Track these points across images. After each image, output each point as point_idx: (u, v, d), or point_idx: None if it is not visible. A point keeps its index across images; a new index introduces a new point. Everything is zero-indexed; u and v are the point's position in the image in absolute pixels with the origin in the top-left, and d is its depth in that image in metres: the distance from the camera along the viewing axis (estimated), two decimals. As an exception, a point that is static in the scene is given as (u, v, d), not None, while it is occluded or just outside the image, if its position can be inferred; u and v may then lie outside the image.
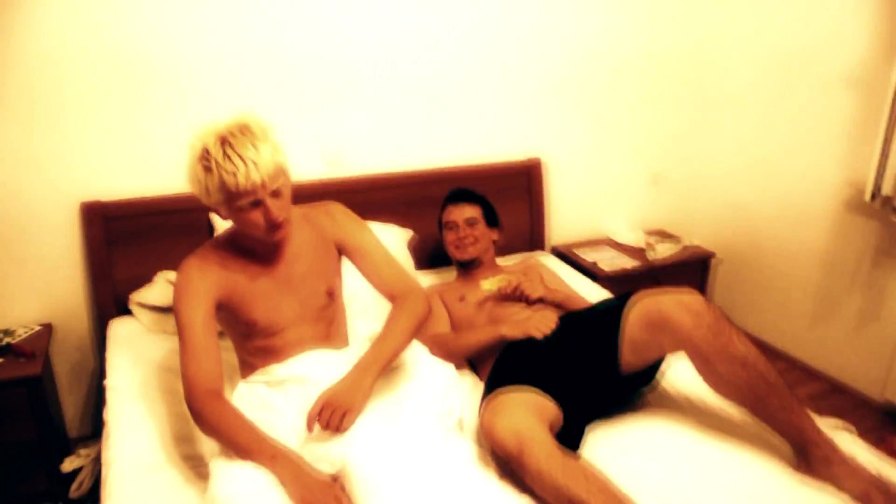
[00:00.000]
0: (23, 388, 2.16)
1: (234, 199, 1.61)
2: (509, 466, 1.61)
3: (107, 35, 2.30)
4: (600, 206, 3.29)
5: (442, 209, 2.55)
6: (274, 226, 1.67)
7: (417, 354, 1.89)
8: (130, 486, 1.65)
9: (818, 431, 1.67)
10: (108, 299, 2.44)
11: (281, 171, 1.65)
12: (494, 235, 2.54)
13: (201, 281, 1.71)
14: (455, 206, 2.50)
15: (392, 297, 1.87)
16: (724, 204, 3.38)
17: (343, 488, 1.52)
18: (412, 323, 1.80)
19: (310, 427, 1.59)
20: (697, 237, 3.30)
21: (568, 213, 3.21)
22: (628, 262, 2.96)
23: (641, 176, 3.32)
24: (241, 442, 1.55)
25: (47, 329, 2.42)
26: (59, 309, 2.48)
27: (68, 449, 2.40)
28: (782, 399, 1.68)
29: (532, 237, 3.06)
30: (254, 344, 1.81)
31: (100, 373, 2.58)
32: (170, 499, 1.61)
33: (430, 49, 2.74)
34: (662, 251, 3.06)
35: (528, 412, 1.64)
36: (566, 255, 3.06)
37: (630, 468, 1.63)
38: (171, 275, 2.42)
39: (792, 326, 3.02)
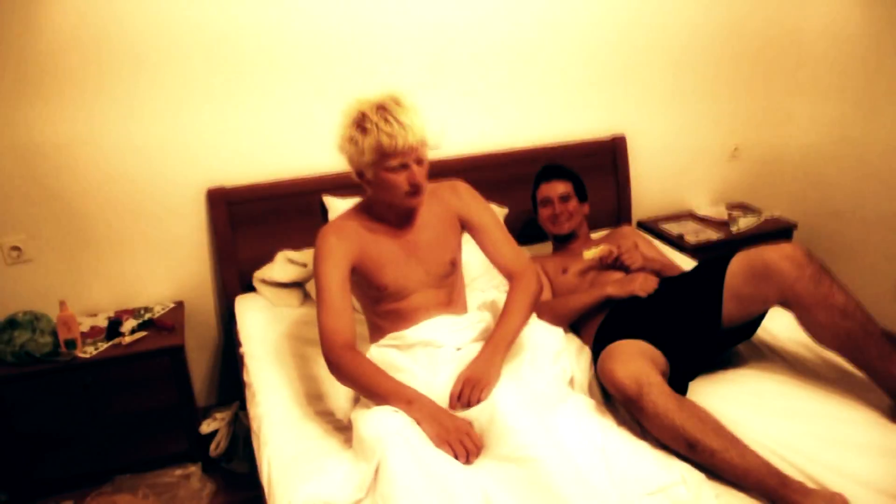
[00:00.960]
0: (167, 356, 2.41)
1: (385, 160, 1.80)
2: (628, 410, 1.76)
3: (224, 30, 2.50)
4: (682, 180, 3.38)
5: (535, 186, 2.68)
6: (415, 189, 1.85)
7: (530, 322, 2.03)
8: (279, 437, 1.85)
9: (916, 380, 1.77)
10: (233, 277, 2.66)
11: (426, 141, 1.84)
12: (586, 209, 2.67)
13: (339, 245, 1.89)
14: (548, 183, 2.63)
15: (509, 275, 2.02)
16: (804, 175, 3.43)
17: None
18: (530, 301, 1.95)
19: (452, 405, 1.73)
20: (778, 209, 3.36)
21: (651, 187, 3.31)
22: (713, 234, 3.06)
23: (722, 150, 3.40)
24: (380, 389, 1.72)
25: (180, 306, 2.66)
26: (188, 287, 2.72)
27: (198, 416, 2.63)
28: (880, 348, 1.78)
29: (618, 212, 3.18)
30: (384, 308, 1.99)
31: (224, 346, 2.83)
32: (313, 446, 1.79)
33: (518, 31, 2.87)
34: (745, 223, 3.15)
35: (644, 359, 1.78)
36: (651, 229, 3.17)
37: (733, 418, 1.73)
38: (291, 254, 2.63)
39: (877, 296, 3.05)
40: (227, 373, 2.87)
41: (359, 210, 2.02)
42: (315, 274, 1.89)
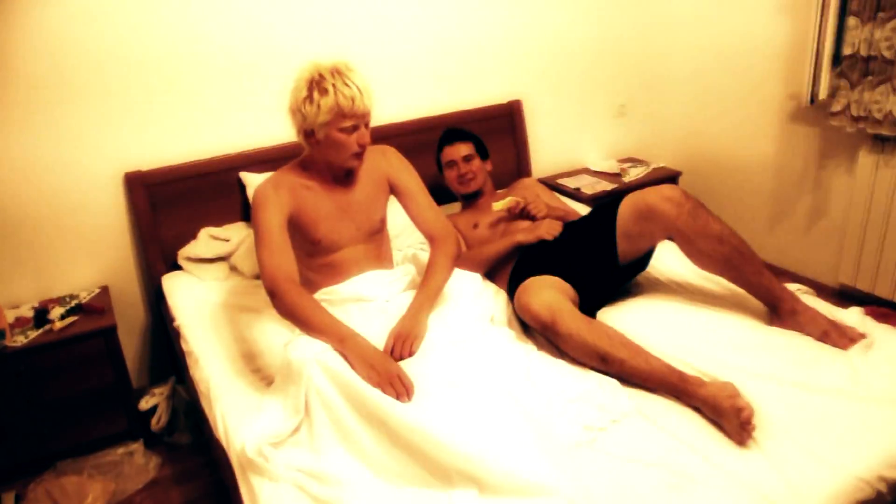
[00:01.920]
0: (101, 338, 2.46)
1: (340, 120, 1.93)
2: (544, 335, 1.98)
3: (134, 15, 2.56)
4: (576, 139, 3.65)
5: (438, 151, 2.84)
6: (362, 150, 2.00)
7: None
8: (226, 393, 1.96)
9: (785, 289, 2.06)
10: (157, 258, 2.72)
11: (372, 107, 1.97)
12: (489, 167, 2.86)
13: (276, 197, 2.01)
14: (451, 146, 2.79)
15: (431, 237, 2.18)
16: (684, 127, 3.76)
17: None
18: (450, 262, 2.12)
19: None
20: (663, 160, 3.68)
21: (548, 147, 3.56)
22: (607, 185, 3.32)
23: (609, 109, 3.68)
24: (315, 323, 1.81)
25: (105, 291, 2.70)
26: (112, 271, 2.76)
27: (133, 395, 2.68)
28: (754, 266, 2.06)
29: (518, 172, 3.40)
30: (317, 261, 2.12)
31: (152, 327, 2.89)
32: (255, 398, 1.90)
33: (419, 8, 3.04)
34: (635, 174, 3.44)
35: (555, 290, 2.00)
36: (550, 184, 3.39)
37: (636, 334, 1.95)
38: (213, 230, 2.73)
39: (752, 232, 3.41)
40: (157, 353, 2.92)
41: (295, 167, 2.13)
42: (254, 221, 1.99)
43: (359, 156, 2.03)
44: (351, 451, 1.61)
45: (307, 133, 2.02)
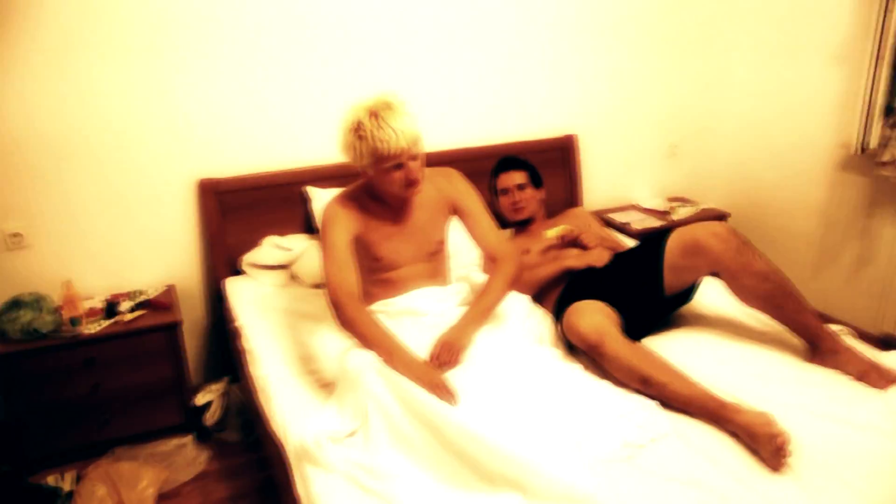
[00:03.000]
0: (165, 332, 2.61)
1: (381, 162, 2.03)
2: (590, 357, 2.06)
3: (217, 33, 2.75)
4: (627, 175, 3.74)
5: (493, 178, 2.96)
6: (411, 184, 2.09)
7: None
8: (284, 390, 2.09)
9: (825, 329, 2.11)
10: (222, 261, 2.88)
11: (418, 139, 2.05)
12: (541, 195, 2.97)
13: (345, 215, 2.14)
14: (506, 174, 2.91)
15: (492, 258, 2.27)
16: (734, 170, 3.82)
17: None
18: (509, 281, 2.20)
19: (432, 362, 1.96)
20: (712, 201, 3.75)
21: (600, 182, 3.65)
22: (655, 222, 3.40)
23: (661, 148, 3.77)
24: (369, 336, 1.94)
25: (170, 289, 2.86)
26: (178, 271, 2.92)
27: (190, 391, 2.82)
28: (796, 304, 2.13)
29: (570, 203, 3.49)
30: (377, 276, 2.24)
31: (210, 327, 3.03)
32: (311, 397, 2.04)
33: (484, 43, 3.20)
34: (683, 213, 3.51)
35: (603, 314, 2.09)
36: (600, 219, 3.49)
37: (677, 362, 2.01)
38: (277, 239, 2.87)
39: (796, 277, 3.37)
40: (212, 352, 3.07)
41: (361, 188, 2.24)
42: (322, 236, 2.13)
43: (408, 189, 2.11)
44: (403, 452, 1.71)
45: (361, 170, 2.14)
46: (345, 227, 2.13)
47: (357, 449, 1.75)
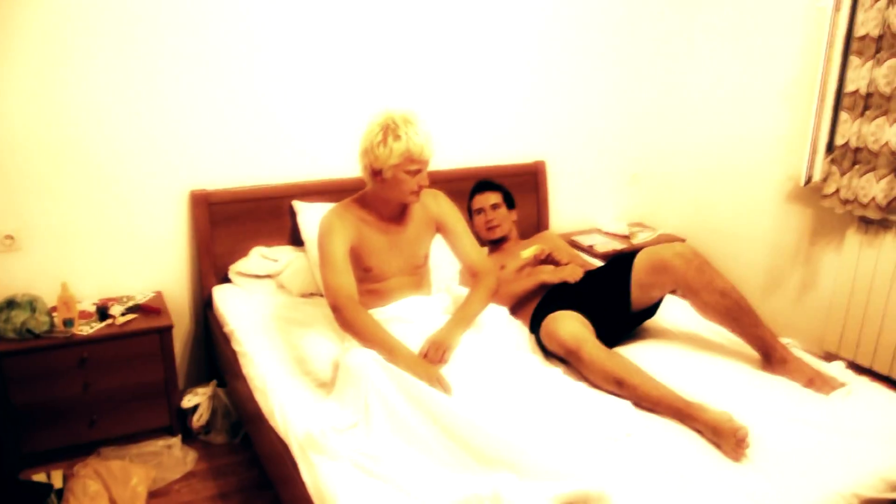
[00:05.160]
0: (157, 335, 2.71)
1: (408, 164, 2.21)
2: (567, 362, 2.25)
3: (213, 56, 2.89)
4: (591, 201, 3.99)
5: (470, 199, 3.17)
6: (419, 190, 2.28)
7: None
8: (282, 387, 2.22)
9: (777, 340, 2.33)
10: (210, 270, 2.99)
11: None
12: (514, 216, 3.17)
13: (342, 226, 2.30)
14: (481, 195, 3.12)
15: (473, 273, 2.47)
16: (690, 198, 4.08)
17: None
18: (489, 293, 2.40)
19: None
20: (669, 226, 4.01)
21: (565, 206, 3.89)
22: (618, 245, 3.63)
23: (622, 176, 4.03)
24: (370, 335, 2.11)
25: (159, 295, 2.95)
26: (166, 279, 3.02)
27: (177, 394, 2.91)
28: (752, 318, 2.35)
29: (538, 226, 3.71)
30: (365, 286, 2.39)
31: (197, 334, 3.13)
32: (308, 394, 2.18)
33: (457, 72, 3.41)
34: (643, 237, 3.75)
35: (579, 322, 2.29)
36: (566, 241, 3.70)
37: (646, 368, 2.20)
38: (264, 250, 3.01)
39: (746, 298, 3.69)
40: (198, 358, 3.17)
41: (356, 202, 2.41)
42: (320, 244, 2.28)
43: (417, 193, 2.31)
44: (405, 439, 1.86)
45: (374, 171, 2.29)
46: (342, 236, 2.28)
47: (359, 438, 1.90)
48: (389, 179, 2.27)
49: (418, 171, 2.26)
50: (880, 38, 2.88)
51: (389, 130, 2.20)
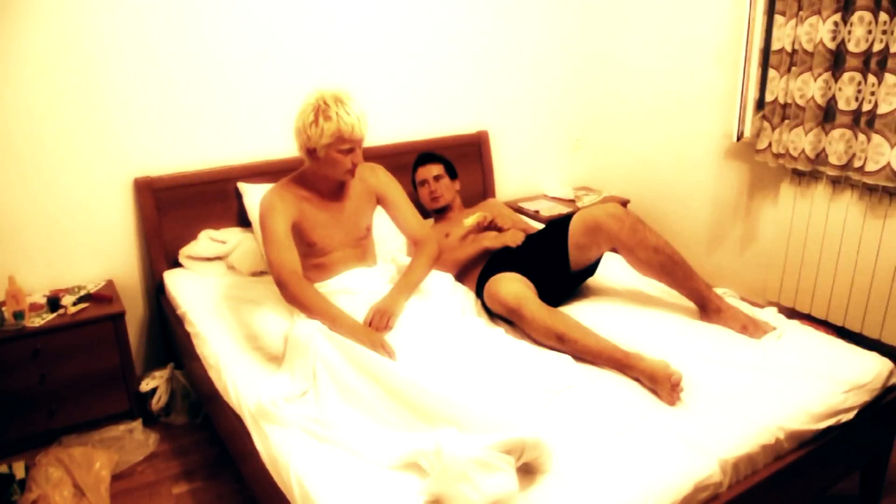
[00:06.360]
0: (110, 322, 2.73)
1: (339, 144, 2.26)
2: (510, 322, 2.33)
3: (150, 41, 2.88)
4: (536, 167, 4.06)
5: (413, 171, 3.23)
6: (354, 168, 2.33)
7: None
8: (233, 364, 2.27)
9: (712, 291, 2.45)
10: (160, 255, 3.01)
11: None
12: (457, 186, 3.24)
13: (282, 205, 2.34)
14: (423, 167, 3.18)
15: (415, 241, 2.55)
16: (633, 161, 4.17)
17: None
18: (430, 262, 2.49)
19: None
20: (614, 189, 4.10)
21: (511, 174, 3.96)
22: (563, 209, 3.72)
23: (566, 142, 4.11)
24: (314, 306, 2.19)
25: (110, 283, 2.97)
26: (117, 266, 3.03)
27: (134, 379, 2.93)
28: (685, 271, 2.46)
29: (484, 195, 3.78)
30: (311, 261, 2.44)
31: (151, 319, 3.15)
32: (260, 369, 2.23)
33: (396, 44, 3.44)
34: (588, 201, 3.84)
35: (521, 283, 2.37)
36: (512, 207, 3.77)
37: (586, 323, 2.29)
38: (212, 233, 3.03)
39: (693, 254, 3.75)
40: (153, 342, 3.20)
41: (294, 180, 2.46)
42: (262, 224, 2.33)
43: (351, 172, 2.37)
44: (352, 404, 1.93)
45: (309, 150, 2.34)
46: (283, 214, 2.33)
47: (309, 406, 1.96)
48: (323, 158, 2.31)
49: (351, 150, 2.30)
50: (800, -5, 2.99)
51: (320, 111, 2.24)
